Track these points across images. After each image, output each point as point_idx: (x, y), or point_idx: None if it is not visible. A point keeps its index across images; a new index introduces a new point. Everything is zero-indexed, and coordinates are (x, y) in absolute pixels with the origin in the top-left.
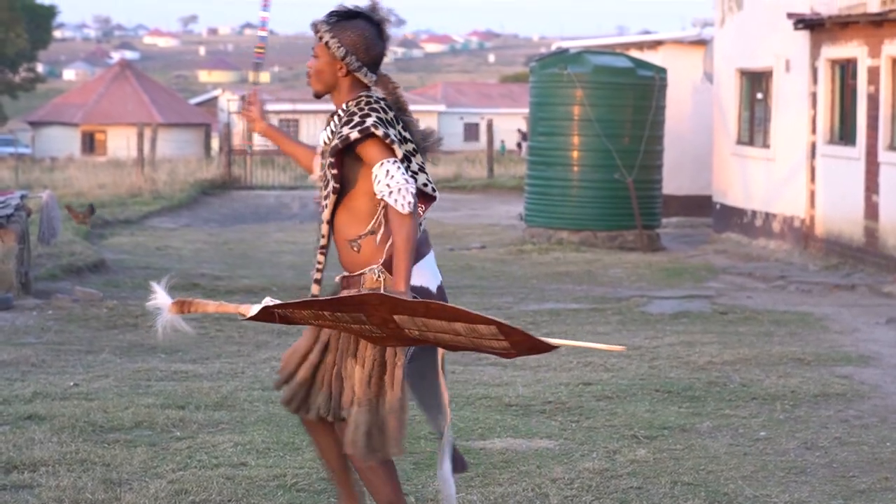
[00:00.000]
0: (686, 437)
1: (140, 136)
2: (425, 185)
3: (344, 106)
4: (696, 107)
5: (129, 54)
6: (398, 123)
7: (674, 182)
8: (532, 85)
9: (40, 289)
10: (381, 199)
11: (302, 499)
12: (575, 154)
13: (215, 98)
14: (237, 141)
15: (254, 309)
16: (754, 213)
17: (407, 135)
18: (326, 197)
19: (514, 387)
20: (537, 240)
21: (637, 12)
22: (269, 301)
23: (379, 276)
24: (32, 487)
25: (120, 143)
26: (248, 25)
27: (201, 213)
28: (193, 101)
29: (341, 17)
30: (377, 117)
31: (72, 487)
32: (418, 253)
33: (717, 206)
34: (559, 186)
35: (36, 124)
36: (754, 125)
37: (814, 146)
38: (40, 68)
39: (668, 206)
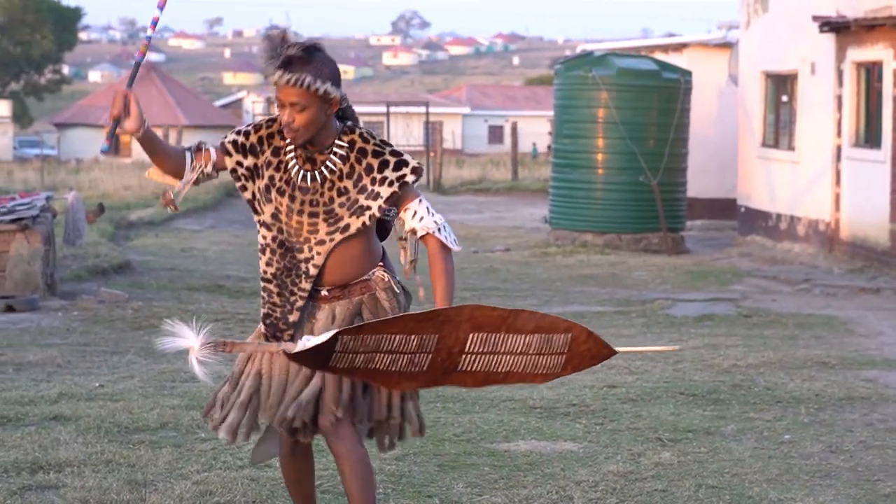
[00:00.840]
0: (710, 440)
1: (165, 137)
2: None
3: (341, 142)
4: (721, 109)
5: (155, 56)
6: None
7: (698, 185)
8: (557, 87)
9: (66, 290)
10: (424, 235)
11: (326, 500)
12: (599, 156)
13: (240, 100)
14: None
15: (300, 345)
16: (779, 216)
17: None
18: (319, 243)
19: (539, 389)
20: (562, 242)
21: (662, 15)
22: (310, 340)
23: (385, 274)
24: (58, 488)
25: None
26: (274, 27)
27: (226, 214)
28: (218, 102)
29: (303, 58)
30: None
31: (97, 488)
32: (390, 262)
33: (742, 209)
34: (584, 189)
35: (61, 126)
36: (779, 128)
37: (839, 149)
38: (66, 70)
39: (693, 208)
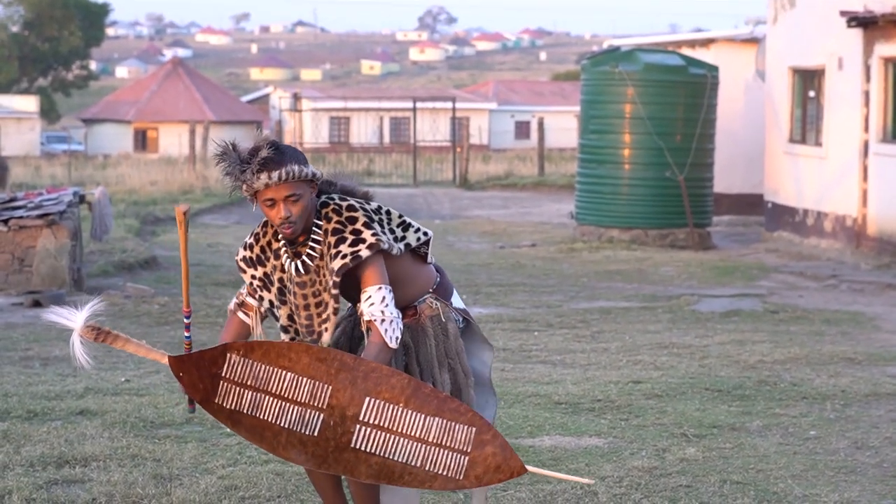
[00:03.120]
0: (736, 435)
1: (192, 133)
2: (418, 239)
3: (316, 227)
4: (748, 105)
5: (182, 52)
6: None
7: (725, 180)
8: (584, 83)
9: (92, 285)
10: (369, 321)
11: (351, 495)
12: (626, 152)
13: (267, 95)
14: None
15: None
16: (806, 211)
17: (371, 206)
18: (323, 322)
19: (564, 384)
20: (588, 238)
21: (689, 10)
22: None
23: (435, 303)
24: (84, 482)
25: (172, 140)
26: (300, 23)
27: (252, 210)
28: (245, 98)
29: (276, 154)
30: (366, 220)
31: (123, 482)
32: (447, 289)
33: (769, 205)
34: (610, 184)
35: (89, 121)
36: (806, 123)
37: (866, 144)
38: (93, 66)
39: (720, 204)
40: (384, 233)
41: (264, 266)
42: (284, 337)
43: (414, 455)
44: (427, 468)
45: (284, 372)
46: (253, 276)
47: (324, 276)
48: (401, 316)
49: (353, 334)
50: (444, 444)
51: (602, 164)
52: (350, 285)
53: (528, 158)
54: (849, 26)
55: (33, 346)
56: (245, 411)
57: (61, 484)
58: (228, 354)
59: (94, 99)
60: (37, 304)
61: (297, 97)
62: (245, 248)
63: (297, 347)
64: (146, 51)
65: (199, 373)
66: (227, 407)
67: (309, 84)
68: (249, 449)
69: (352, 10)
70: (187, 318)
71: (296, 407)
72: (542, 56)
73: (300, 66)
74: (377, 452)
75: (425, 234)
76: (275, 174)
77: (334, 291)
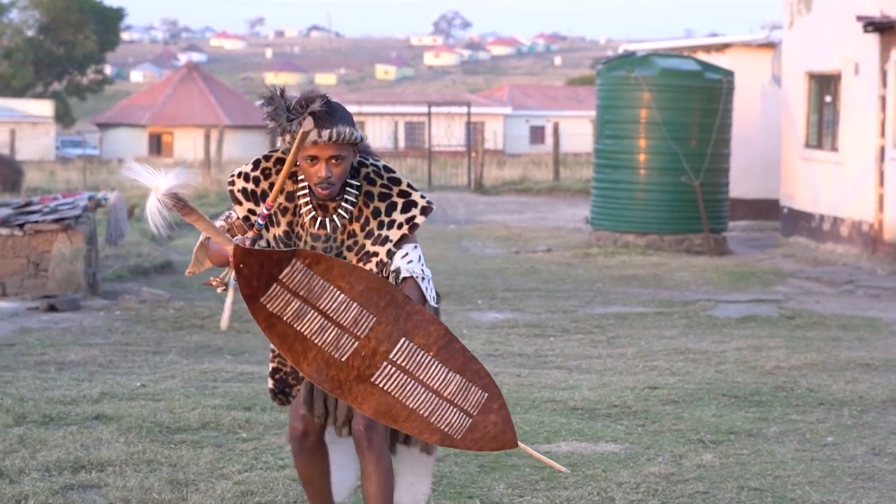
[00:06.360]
0: (753, 441)
1: (207, 137)
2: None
3: (351, 188)
4: (763, 110)
5: (197, 56)
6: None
7: (741, 185)
8: (599, 88)
9: (108, 290)
10: (406, 278)
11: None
12: (641, 157)
13: None
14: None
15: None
16: (822, 217)
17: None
18: None
19: (580, 390)
20: (603, 243)
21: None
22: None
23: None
24: (100, 487)
25: (187, 144)
26: (315, 28)
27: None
28: (260, 102)
29: (328, 111)
30: (408, 182)
31: (138, 487)
32: None
33: (785, 210)
34: (626, 189)
35: (104, 126)
36: (823, 129)
37: (883, 150)
38: (108, 70)
39: (736, 209)
40: None
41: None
42: None
43: (425, 405)
44: (431, 420)
45: (339, 292)
46: (251, 211)
47: (346, 235)
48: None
49: None
50: (455, 402)
51: (617, 169)
52: None
53: (543, 163)
54: (865, 31)
55: (49, 351)
56: (285, 319)
57: (77, 489)
58: (294, 260)
59: (108, 103)
60: (52, 308)
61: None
62: (246, 180)
63: (360, 272)
64: (161, 55)
65: (259, 269)
66: (270, 310)
67: (323, 88)
68: (265, 454)
69: (366, 14)
70: (268, 209)
71: (336, 329)
72: (557, 61)
73: (315, 70)
74: (392, 393)
75: (429, 203)
76: (325, 132)
77: (386, 260)
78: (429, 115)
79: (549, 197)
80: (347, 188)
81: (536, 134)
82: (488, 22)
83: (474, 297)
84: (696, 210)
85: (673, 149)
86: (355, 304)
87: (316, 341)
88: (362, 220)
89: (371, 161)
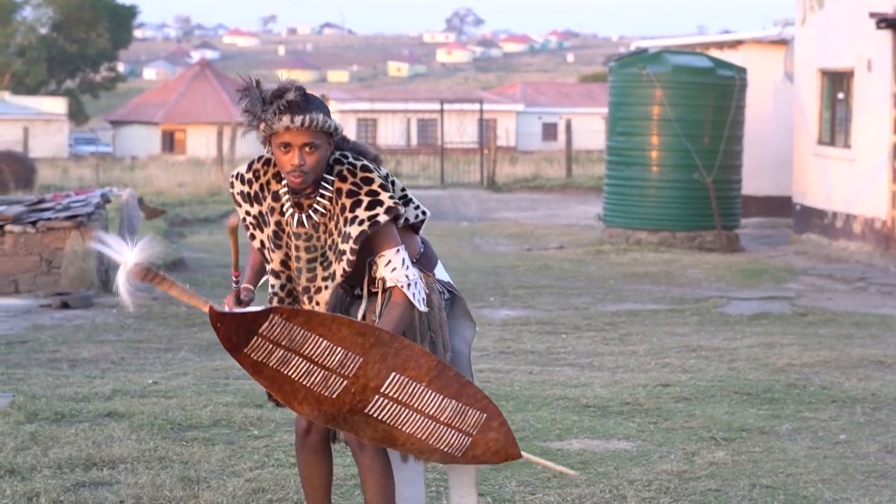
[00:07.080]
0: (765, 439)
1: (219, 135)
2: (416, 216)
3: (326, 183)
4: (776, 107)
5: (209, 54)
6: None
7: (754, 182)
8: (611, 85)
9: None
10: (392, 287)
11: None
12: (654, 154)
13: None
14: None
15: (227, 308)
16: (835, 214)
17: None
18: (326, 279)
19: (592, 387)
20: (616, 240)
21: (717, 12)
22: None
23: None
24: (111, 484)
25: (199, 142)
26: (328, 25)
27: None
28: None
29: (302, 100)
30: (381, 182)
31: (150, 485)
32: (431, 259)
33: (798, 207)
34: (638, 186)
35: (117, 123)
36: (835, 125)
37: (895, 147)
38: (121, 68)
39: (748, 206)
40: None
41: (261, 204)
42: (274, 282)
43: (422, 429)
44: (430, 442)
45: (321, 339)
46: (248, 213)
47: (327, 234)
48: (419, 275)
49: (344, 298)
50: (453, 424)
51: (630, 166)
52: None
53: (556, 160)
54: (878, 28)
55: (61, 348)
56: (271, 365)
57: (89, 486)
58: (272, 316)
59: (121, 101)
60: (65, 305)
61: (324, 99)
62: (242, 182)
63: (340, 320)
64: (174, 53)
65: (236, 328)
66: (255, 359)
67: (336, 86)
68: (277, 451)
69: (379, 11)
70: (235, 277)
71: (322, 371)
72: (570, 58)
73: (327, 67)
74: (388, 421)
75: (423, 213)
76: (298, 118)
77: (351, 258)
78: (441, 112)
79: (562, 194)
80: (323, 183)
81: (549, 131)
82: (501, 19)
83: (486, 294)
84: (708, 207)
85: (685, 146)
86: (339, 349)
87: (304, 383)
88: (335, 219)
89: (350, 160)
